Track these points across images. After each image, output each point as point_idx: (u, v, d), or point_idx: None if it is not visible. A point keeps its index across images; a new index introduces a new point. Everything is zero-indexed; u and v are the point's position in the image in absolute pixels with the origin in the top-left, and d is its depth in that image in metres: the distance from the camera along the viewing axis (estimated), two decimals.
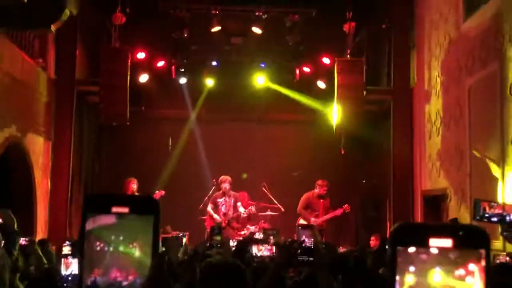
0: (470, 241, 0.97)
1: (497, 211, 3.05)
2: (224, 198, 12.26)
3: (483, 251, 0.98)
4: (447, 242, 0.98)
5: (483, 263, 0.98)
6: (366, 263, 4.92)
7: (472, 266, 0.98)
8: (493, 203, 3.06)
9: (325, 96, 14.13)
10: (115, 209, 1.16)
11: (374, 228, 13.43)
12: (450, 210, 10.55)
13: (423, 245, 0.98)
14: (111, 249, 1.15)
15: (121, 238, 1.16)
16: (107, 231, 1.15)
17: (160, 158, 14.89)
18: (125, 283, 1.14)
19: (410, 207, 12.48)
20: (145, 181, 12.84)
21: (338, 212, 12.35)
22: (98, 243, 1.15)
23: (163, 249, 5.82)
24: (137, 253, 1.16)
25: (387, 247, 1.02)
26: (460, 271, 0.98)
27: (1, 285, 4.69)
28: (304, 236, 5.03)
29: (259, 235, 11.11)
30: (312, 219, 12.13)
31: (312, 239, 4.88)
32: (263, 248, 7.72)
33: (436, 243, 0.98)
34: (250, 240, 8.27)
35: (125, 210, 1.16)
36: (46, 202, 12.06)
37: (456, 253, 0.98)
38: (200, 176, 14.27)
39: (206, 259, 4.85)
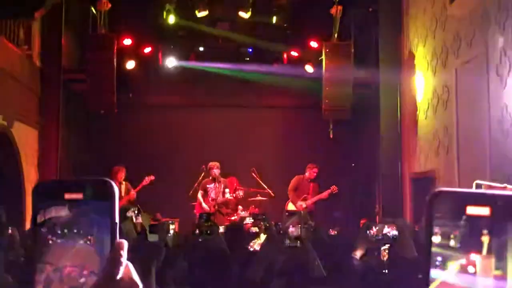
0: (508, 211, 0.96)
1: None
2: (214, 184, 12.25)
3: None
4: (485, 211, 0.97)
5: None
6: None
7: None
8: (491, 184, 3.06)
9: (313, 80, 14.11)
10: (68, 196, 1.10)
11: (364, 211, 13.49)
12: None
13: (460, 213, 0.97)
14: (64, 243, 1.10)
15: (75, 231, 1.10)
16: (59, 224, 1.10)
17: (149, 145, 14.84)
18: (80, 279, 1.09)
19: (399, 190, 12.52)
20: (134, 169, 12.79)
21: (326, 194, 12.39)
22: (50, 237, 1.10)
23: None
24: (92, 246, 1.10)
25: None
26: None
27: None
28: (291, 223, 5.03)
29: (249, 220, 11.15)
30: (299, 202, 12.19)
31: (299, 226, 4.89)
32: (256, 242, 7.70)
33: (474, 211, 0.97)
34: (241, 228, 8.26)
35: (79, 196, 1.10)
36: None
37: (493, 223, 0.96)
38: (190, 162, 14.23)
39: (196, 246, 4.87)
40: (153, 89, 15.01)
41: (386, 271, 4.34)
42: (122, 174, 12.19)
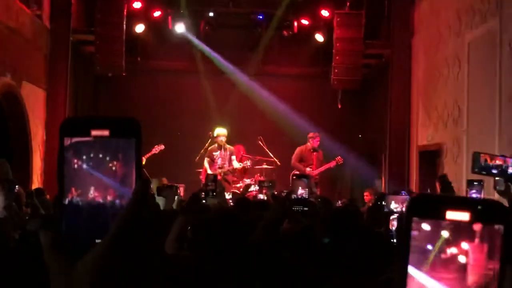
0: (488, 216, 0.96)
1: (498, 162, 3.03)
2: (219, 151, 12.24)
3: (501, 227, 0.97)
4: (465, 216, 0.97)
5: (499, 239, 0.97)
6: (361, 219, 4.93)
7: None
8: (494, 155, 3.05)
9: (323, 49, 14.01)
10: (94, 132, 1.11)
11: (369, 183, 13.47)
12: (446, 166, 10.57)
13: (440, 217, 0.97)
14: (89, 168, 1.10)
15: (100, 156, 1.11)
16: (85, 149, 1.11)
17: (156, 109, 14.81)
18: (104, 203, 1.10)
19: (406, 162, 12.51)
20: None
21: (332, 164, 12.34)
22: (75, 161, 1.10)
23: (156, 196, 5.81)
24: (117, 173, 1.11)
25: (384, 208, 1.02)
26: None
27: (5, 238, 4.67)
28: (299, 186, 5.02)
29: (254, 187, 11.15)
30: (308, 169, 12.14)
31: (307, 189, 4.88)
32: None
33: (453, 216, 0.97)
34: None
35: (105, 133, 1.11)
36: (42, 153, 12.03)
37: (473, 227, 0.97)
38: (196, 128, 14.20)
39: (204, 209, 4.86)
40: (161, 54, 14.92)
41: (395, 240, 4.33)
42: None
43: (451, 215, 0.96)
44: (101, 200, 1.07)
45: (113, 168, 1.07)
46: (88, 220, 1.07)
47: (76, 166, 1.07)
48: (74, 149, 1.07)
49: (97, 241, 1.06)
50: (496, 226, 0.95)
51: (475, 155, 3.20)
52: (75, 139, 1.07)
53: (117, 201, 1.08)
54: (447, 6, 10.88)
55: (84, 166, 1.07)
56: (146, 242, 1.07)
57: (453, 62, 10.44)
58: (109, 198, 1.08)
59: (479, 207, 0.95)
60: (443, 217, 0.95)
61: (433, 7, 11.59)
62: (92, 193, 1.08)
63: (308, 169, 12.15)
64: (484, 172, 3.26)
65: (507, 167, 3.08)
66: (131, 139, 1.10)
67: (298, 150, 12.43)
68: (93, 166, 1.07)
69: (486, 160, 3.12)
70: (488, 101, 8.83)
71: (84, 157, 1.07)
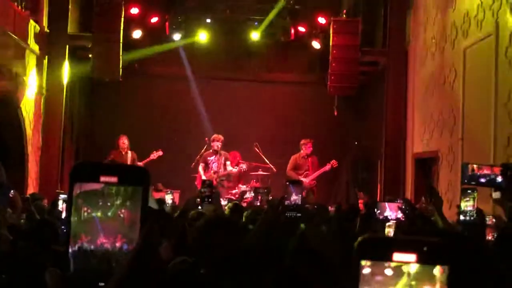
0: (434, 257, 0.99)
1: (485, 171, 3.05)
2: (215, 156, 12.25)
3: (446, 268, 0.99)
4: (411, 257, 0.99)
5: (444, 279, 1.00)
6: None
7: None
8: (481, 164, 3.06)
9: (320, 56, 14.05)
10: (103, 179, 1.14)
11: (365, 190, 13.48)
12: (441, 173, 10.59)
13: (387, 259, 0.99)
14: (98, 214, 1.14)
15: (108, 204, 1.14)
16: (94, 197, 1.14)
17: (152, 115, 14.82)
18: (112, 249, 1.13)
19: (402, 169, 12.53)
20: (137, 139, 12.81)
21: (327, 167, 12.36)
22: (85, 209, 1.14)
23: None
24: (125, 219, 1.14)
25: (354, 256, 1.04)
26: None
27: None
28: (292, 192, 5.03)
29: (249, 194, 11.17)
30: (303, 179, 12.16)
31: (300, 195, 4.89)
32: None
33: (400, 258, 0.99)
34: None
35: (114, 179, 1.14)
36: (38, 158, 12.02)
37: (419, 267, 1.00)
38: (192, 134, 14.22)
39: (200, 215, 4.86)
40: (158, 60, 14.93)
41: None
42: (125, 144, 12.22)
43: (398, 256, 0.98)
44: (109, 247, 1.10)
45: (121, 215, 1.10)
46: (96, 264, 1.10)
47: (86, 214, 1.10)
48: (83, 197, 1.10)
49: (101, 284, 1.08)
50: (442, 267, 0.97)
51: (464, 166, 3.22)
52: (84, 188, 1.10)
53: (125, 247, 1.11)
54: (443, 14, 10.92)
55: (93, 214, 1.10)
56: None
57: (448, 69, 10.48)
58: (117, 244, 1.10)
59: (424, 248, 0.97)
60: (390, 258, 0.97)
61: (429, 15, 11.63)
62: (100, 239, 1.10)
63: (303, 179, 12.17)
64: (473, 183, 3.27)
65: (495, 176, 3.10)
66: (139, 187, 1.12)
67: (292, 158, 12.47)
68: (102, 214, 1.10)
69: (473, 170, 3.14)
70: (484, 109, 8.86)
71: (94, 204, 1.10)
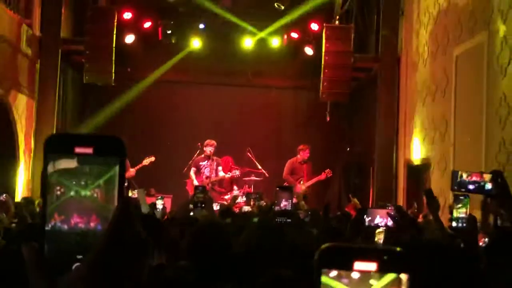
0: (395, 265, 1.00)
1: (474, 178, 3.06)
2: (207, 161, 12.24)
3: (406, 276, 1.01)
4: (372, 266, 1.00)
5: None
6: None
7: None
8: (470, 171, 3.08)
9: (312, 62, 14.08)
10: (78, 150, 1.12)
11: (357, 196, 13.49)
12: (433, 180, 10.62)
13: (348, 268, 1.00)
14: (72, 194, 1.12)
15: (82, 182, 1.12)
16: (68, 176, 1.12)
17: (145, 120, 14.81)
18: (86, 229, 1.12)
19: (393, 175, 12.55)
20: (130, 143, 12.69)
21: (322, 177, 12.45)
22: (58, 188, 1.12)
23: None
24: (99, 198, 1.13)
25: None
26: None
27: None
28: (282, 198, 5.04)
29: (242, 199, 11.16)
30: (298, 185, 12.21)
31: (290, 201, 4.90)
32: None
33: (361, 267, 1.01)
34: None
35: (89, 150, 1.12)
36: (30, 162, 11.98)
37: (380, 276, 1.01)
38: (185, 139, 14.21)
39: (191, 220, 4.86)
40: (151, 64, 14.93)
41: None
42: None
43: (358, 265, 0.99)
44: (83, 226, 1.09)
45: (95, 194, 1.09)
46: (70, 245, 1.09)
47: (59, 192, 1.09)
48: (57, 176, 1.08)
49: (77, 264, 1.08)
50: (402, 275, 0.98)
51: (454, 173, 3.24)
52: (57, 167, 1.09)
53: (99, 227, 1.10)
54: (435, 21, 10.97)
55: (67, 193, 1.08)
56: (132, 262, 1.08)
57: (440, 76, 10.52)
58: (92, 224, 1.09)
59: (385, 257, 0.98)
60: (351, 267, 0.98)
61: (422, 22, 11.68)
62: (74, 219, 1.09)
63: (298, 185, 12.22)
64: (462, 189, 3.29)
65: (484, 183, 3.12)
66: (115, 157, 1.11)
67: (289, 163, 12.51)
68: (76, 193, 1.08)
69: (462, 177, 3.16)
70: (475, 115, 8.89)
71: (67, 183, 1.08)
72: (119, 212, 1.09)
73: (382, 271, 0.98)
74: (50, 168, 1.11)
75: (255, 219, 3.63)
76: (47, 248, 1.11)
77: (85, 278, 1.06)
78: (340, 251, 1.01)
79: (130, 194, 10.60)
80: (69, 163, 1.10)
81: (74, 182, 1.10)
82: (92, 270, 1.07)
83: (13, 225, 6.50)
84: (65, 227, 1.10)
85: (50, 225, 1.10)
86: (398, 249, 1.01)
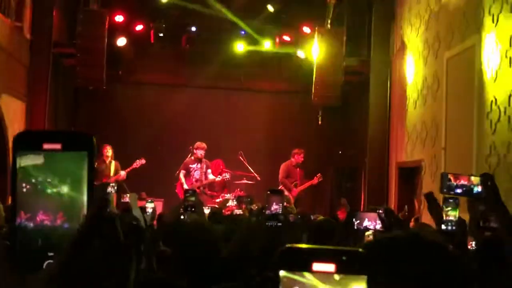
0: (354, 266, 1.00)
1: (462, 182, 3.06)
2: (197, 164, 12.22)
3: (365, 277, 1.01)
4: (330, 267, 1.00)
5: None
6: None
7: None
8: (458, 174, 3.07)
9: (304, 66, 14.09)
10: (46, 146, 1.10)
11: (349, 199, 13.50)
12: (424, 183, 10.63)
13: (307, 269, 1.00)
14: (38, 190, 1.10)
15: (49, 179, 1.11)
16: (35, 172, 1.11)
17: (137, 123, 14.77)
18: (53, 226, 1.10)
19: (385, 179, 12.56)
20: (120, 146, 12.75)
21: (314, 181, 12.49)
22: (24, 185, 1.11)
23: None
24: (66, 195, 1.11)
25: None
26: None
27: None
28: (273, 202, 5.02)
29: (232, 202, 11.15)
30: (294, 189, 12.26)
31: (281, 204, 4.89)
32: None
33: (319, 268, 1.00)
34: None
35: (57, 146, 1.11)
36: None
37: (339, 277, 1.01)
38: (177, 142, 14.18)
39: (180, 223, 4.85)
40: (143, 67, 14.91)
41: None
42: (110, 153, 12.14)
43: (317, 266, 0.98)
44: (49, 224, 1.07)
45: (62, 191, 1.07)
46: (39, 242, 1.07)
47: (25, 190, 1.07)
48: (23, 173, 1.06)
49: (47, 262, 1.06)
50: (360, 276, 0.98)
51: (443, 175, 3.23)
52: (24, 163, 1.07)
53: (66, 225, 1.08)
54: (426, 25, 11.00)
55: (33, 190, 1.07)
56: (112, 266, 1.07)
57: (431, 80, 10.54)
58: (58, 221, 1.07)
59: (343, 257, 0.98)
60: (310, 269, 0.98)
61: (413, 26, 11.71)
62: (40, 216, 1.07)
63: (294, 188, 12.25)
64: (451, 192, 3.28)
65: (472, 186, 3.11)
66: (83, 153, 1.09)
67: (284, 166, 12.51)
68: (41, 190, 1.06)
69: (450, 180, 3.15)
70: (466, 119, 8.91)
71: (33, 180, 1.06)
72: (90, 214, 1.08)
73: (340, 272, 0.98)
74: (18, 165, 1.09)
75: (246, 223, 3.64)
76: (17, 245, 1.10)
77: (56, 277, 1.05)
78: (299, 253, 1.01)
79: (121, 198, 10.59)
80: (37, 159, 1.09)
81: (40, 179, 1.08)
82: (63, 270, 1.05)
83: (4, 229, 6.46)
84: (31, 224, 1.09)
85: (17, 223, 1.09)
86: (360, 250, 1.01)
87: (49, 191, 1.10)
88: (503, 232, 2.78)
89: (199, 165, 12.19)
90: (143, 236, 4.01)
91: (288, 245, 1.01)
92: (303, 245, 1.02)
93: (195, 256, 3.15)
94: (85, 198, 1.10)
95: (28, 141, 1.12)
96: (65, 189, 1.09)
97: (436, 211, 4.37)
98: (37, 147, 1.10)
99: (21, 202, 1.10)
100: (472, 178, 3.13)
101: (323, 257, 0.99)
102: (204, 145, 12.22)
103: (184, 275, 3.06)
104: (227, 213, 9.28)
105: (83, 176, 1.11)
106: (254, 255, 3.47)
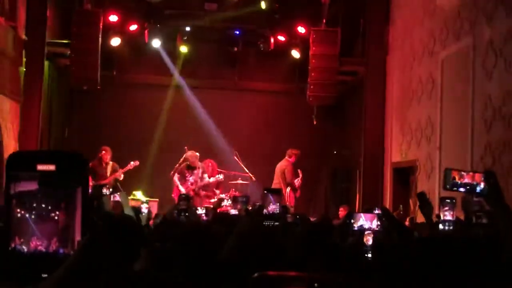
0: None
1: (466, 180, 3.04)
2: (192, 171, 12.20)
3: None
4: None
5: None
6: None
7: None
8: (462, 172, 3.06)
9: (299, 66, 14.08)
10: (40, 167, 1.09)
11: (344, 199, 13.51)
12: (419, 183, 10.64)
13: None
14: (32, 217, 1.09)
15: (43, 205, 1.10)
16: (29, 198, 1.10)
17: (131, 123, 14.72)
18: (46, 252, 1.09)
19: (380, 178, 12.56)
20: (115, 147, 12.70)
21: (300, 181, 12.54)
22: (19, 210, 1.10)
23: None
24: (61, 221, 1.10)
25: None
26: None
27: None
28: (270, 201, 5.01)
29: (227, 202, 11.12)
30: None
31: (279, 204, 4.87)
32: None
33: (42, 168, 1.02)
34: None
35: (51, 167, 1.10)
36: None
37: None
38: (171, 142, 14.14)
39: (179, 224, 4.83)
40: (137, 67, 14.87)
41: (369, 255, 4.34)
42: (108, 155, 12.08)
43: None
44: (43, 249, 1.05)
45: (56, 217, 1.05)
46: (32, 267, 1.06)
47: (19, 215, 1.05)
48: (17, 198, 1.05)
49: (44, 275, 1.04)
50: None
51: (447, 171, 3.21)
52: (19, 189, 1.05)
53: (61, 250, 1.06)
54: (421, 25, 11.00)
55: (27, 216, 1.05)
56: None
57: (426, 79, 10.55)
58: (52, 247, 1.06)
59: (315, 285, 0.97)
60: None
61: (407, 26, 11.72)
62: (34, 242, 1.06)
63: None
64: (455, 189, 3.27)
65: (476, 184, 3.10)
66: (78, 175, 1.08)
67: (290, 166, 12.45)
68: (36, 216, 1.05)
69: (454, 178, 3.14)
70: (461, 118, 8.92)
71: (28, 206, 1.05)
72: (87, 241, 1.06)
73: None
74: (11, 190, 1.08)
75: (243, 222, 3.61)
76: (10, 268, 1.08)
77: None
78: (271, 280, 1.00)
79: (112, 197, 10.54)
80: (31, 185, 1.07)
81: (35, 205, 1.07)
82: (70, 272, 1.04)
83: None
84: (25, 249, 1.08)
85: (11, 247, 1.08)
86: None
87: (43, 217, 1.09)
88: (504, 230, 2.77)
89: (194, 171, 12.17)
90: (142, 233, 3.99)
91: (258, 273, 0.99)
92: (274, 272, 1.01)
93: (193, 256, 3.13)
94: (79, 223, 1.09)
95: (21, 162, 1.11)
96: (59, 216, 1.08)
97: (427, 209, 4.38)
98: (31, 168, 1.09)
99: (16, 227, 1.09)
100: (476, 175, 3.11)
101: (295, 284, 0.98)
102: (195, 154, 12.19)
103: (182, 275, 3.05)
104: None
105: (77, 201, 1.10)
106: (252, 255, 3.45)
